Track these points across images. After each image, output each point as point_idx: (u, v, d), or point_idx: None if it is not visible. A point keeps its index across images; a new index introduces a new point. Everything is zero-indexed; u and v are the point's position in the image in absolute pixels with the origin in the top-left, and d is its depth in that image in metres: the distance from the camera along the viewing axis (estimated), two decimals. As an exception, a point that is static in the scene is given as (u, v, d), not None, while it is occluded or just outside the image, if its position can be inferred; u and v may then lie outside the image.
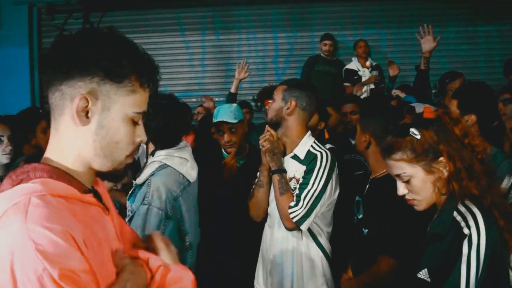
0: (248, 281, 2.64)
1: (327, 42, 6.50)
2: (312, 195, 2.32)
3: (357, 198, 2.47)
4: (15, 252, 0.87)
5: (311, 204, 2.31)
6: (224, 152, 3.03)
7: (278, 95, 2.45)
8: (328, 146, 3.17)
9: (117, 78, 1.05)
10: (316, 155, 2.40)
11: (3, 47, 6.74)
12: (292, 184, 2.42)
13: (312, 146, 2.45)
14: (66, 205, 0.98)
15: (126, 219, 2.19)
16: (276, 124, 2.45)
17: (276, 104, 2.44)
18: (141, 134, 1.14)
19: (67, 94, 1.05)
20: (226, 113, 2.93)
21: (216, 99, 6.77)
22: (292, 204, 2.32)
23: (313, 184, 2.34)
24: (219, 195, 2.80)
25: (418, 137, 1.62)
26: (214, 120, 2.98)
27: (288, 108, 2.41)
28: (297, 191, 2.36)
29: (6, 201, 0.94)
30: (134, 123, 1.12)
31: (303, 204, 2.30)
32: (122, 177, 1.19)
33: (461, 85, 4.06)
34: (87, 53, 1.03)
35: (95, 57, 1.03)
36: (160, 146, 2.32)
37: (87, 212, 1.05)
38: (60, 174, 1.05)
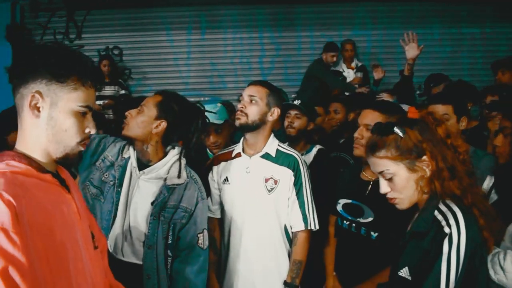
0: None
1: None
2: (309, 199, 2.49)
3: (350, 201, 2.44)
4: None
5: (313, 206, 2.49)
6: (209, 152, 3.01)
7: (262, 99, 2.45)
8: (318, 147, 3.19)
9: (60, 79, 1.33)
10: (293, 157, 2.50)
11: (-15, 44, 6.64)
12: (270, 185, 2.46)
13: (279, 145, 2.54)
14: (22, 180, 1.26)
15: (181, 220, 2.22)
16: (256, 127, 2.46)
17: (260, 108, 2.44)
18: (90, 125, 1.41)
19: (24, 95, 1.33)
20: (211, 114, 2.90)
21: (202, 98, 6.76)
22: (303, 227, 2.46)
23: (306, 190, 2.49)
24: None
25: (402, 135, 1.63)
26: None
27: (271, 115, 2.47)
28: (296, 202, 2.47)
29: None
30: (82, 116, 1.38)
31: (309, 215, 2.47)
32: (77, 163, 1.48)
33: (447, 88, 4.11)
34: (37, 62, 1.33)
35: (43, 64, 1.32)
36: (170, 144, 2.34)
37: (44, 188, 1.32)
38: (22, 157, 1.33)
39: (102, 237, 1.74)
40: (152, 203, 2.19)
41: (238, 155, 2.55)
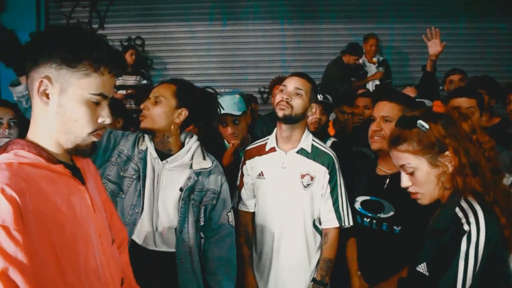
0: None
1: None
2: (343, 196, 2.47)
3: (368, 197, 2.41)
4: None
5: (347, 203, 2.47)
6: (226, 143, 3.02)
7: (307, 93, 2.40)
8: (332, 139, 3.18)
9: (71, 63, 1.21)
10: (329, 155, 2.47)
11: (11, 34, 6.72)
12: (306, 180, 2.45)
13: (313, 140, 2.51)
14: (29, 172, 1.16)
15: (211, 201, 2.30)
16: (297, 120, 2.42)
17: (305, 103, 2.40)
18: (104, 115, 1.29)
19: (34, 79, 1.23)
20: (229, 105, 2.90)
21: (222, 90, 6.76)
22: (336, 223, 2.45)
23: (341, 187, 2.48)
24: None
25: (426, 129, 1.61)
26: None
27: (311, 111, 2.46)
28: (329, 200, 2.45)
29: None
30: (95, 104, 1.27)
31: (343, 212, 2.45)
32: (91, 153, 1.33)
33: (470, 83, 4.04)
34: (48, 44, 1.22)
35: (53, 46, 1.21)
36: (184, 132, 2.36)
37: (54, 180, 1.22)
38: (31, 146, 1.23)
39: (122, 231, 1.68)
40: (181, 189, 2.22)
41: (273, 149, 2.52)
